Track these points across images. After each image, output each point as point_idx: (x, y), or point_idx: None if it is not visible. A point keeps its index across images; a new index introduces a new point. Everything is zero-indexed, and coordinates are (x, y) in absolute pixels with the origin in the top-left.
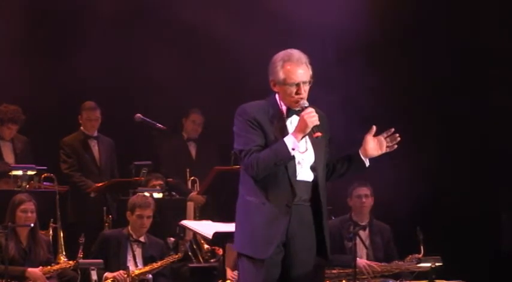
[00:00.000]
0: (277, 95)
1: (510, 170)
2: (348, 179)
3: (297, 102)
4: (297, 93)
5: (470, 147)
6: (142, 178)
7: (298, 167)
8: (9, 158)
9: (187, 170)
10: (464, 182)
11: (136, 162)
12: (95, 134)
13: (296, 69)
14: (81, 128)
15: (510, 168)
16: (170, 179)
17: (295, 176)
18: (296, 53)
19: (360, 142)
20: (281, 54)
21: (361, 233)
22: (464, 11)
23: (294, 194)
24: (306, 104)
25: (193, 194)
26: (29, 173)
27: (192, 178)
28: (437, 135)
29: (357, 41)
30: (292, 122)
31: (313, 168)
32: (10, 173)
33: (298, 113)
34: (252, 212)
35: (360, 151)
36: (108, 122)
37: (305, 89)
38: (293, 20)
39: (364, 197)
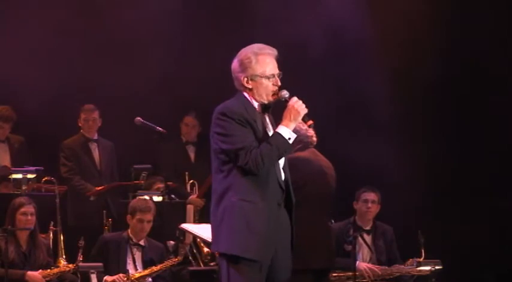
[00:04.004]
0: (245, 93)
1: (510, 172)
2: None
3: (275, 93)
4: (274, 84)
5: (471, 149)
6: (142, 181)
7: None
8: (5, 159)
9: (186, 173)
10: (464, 184)
11: (136, 166)
12: (95, 137)
13: (272, 60)
14: (81, 131)
15: (510, 170)
16: (170, 182)
17: (281, 175)
18: (265, 46)
19: None
20: (250, 48)
21: (366, 236)
22: None
23: (282, 192)
24: (288, 94)
25: (193, 197)
26: (29, 176)
27: (191, 181)
28: (437, 138)
29: None
30: (267, 118)
31: (283, 167)
32: (10, 177)
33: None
34: (248, 213)
35: None
36: (108, 125)
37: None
38: None
39: (370, 202)
